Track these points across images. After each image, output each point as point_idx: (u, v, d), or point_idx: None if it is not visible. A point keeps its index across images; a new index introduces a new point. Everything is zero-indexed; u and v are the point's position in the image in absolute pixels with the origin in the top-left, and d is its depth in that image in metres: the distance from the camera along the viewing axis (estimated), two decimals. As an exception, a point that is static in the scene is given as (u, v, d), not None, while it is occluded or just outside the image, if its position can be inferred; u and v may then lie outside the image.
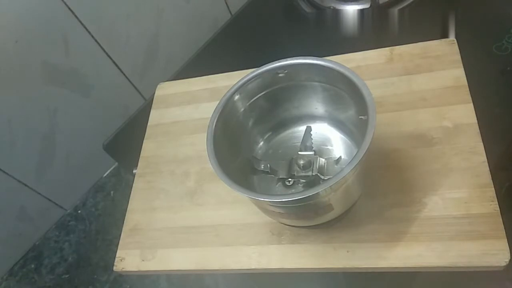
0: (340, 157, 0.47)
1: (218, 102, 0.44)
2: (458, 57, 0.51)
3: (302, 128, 0.49)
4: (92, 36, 0.66)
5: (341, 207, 0.42)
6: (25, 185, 0.68)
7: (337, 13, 0.76)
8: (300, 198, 0.35)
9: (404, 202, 0.44)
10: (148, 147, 0.60)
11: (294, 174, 0.46)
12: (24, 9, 0.57)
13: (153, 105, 0.64)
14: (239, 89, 0.44)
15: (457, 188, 0.43)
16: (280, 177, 0.46)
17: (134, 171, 0.58)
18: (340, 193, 0.38)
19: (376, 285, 0.49)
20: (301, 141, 0.48)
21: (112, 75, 0.72)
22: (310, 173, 0.45)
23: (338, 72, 0.41)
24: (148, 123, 0.62)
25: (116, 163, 0.77)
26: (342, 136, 0.48)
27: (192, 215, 0.51)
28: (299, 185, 0.46)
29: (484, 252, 0.39)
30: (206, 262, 0.47)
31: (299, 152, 0.47)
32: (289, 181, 0.46)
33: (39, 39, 0.60)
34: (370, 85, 0.39)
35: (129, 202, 0.55)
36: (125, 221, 0.54)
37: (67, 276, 0.69)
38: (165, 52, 0.78)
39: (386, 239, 0.42)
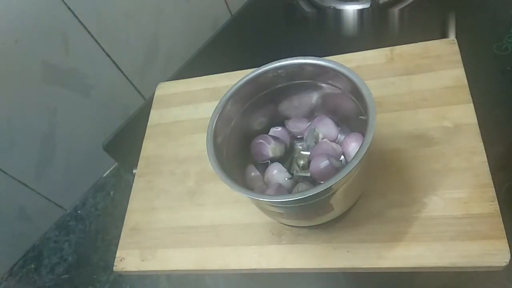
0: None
1: (218, 102, 0.44)
2: (458, 57, 0.51)
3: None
4: (92, 36, 0.66)
5: (341, 207, 0.42)
6: (25, 185, 0.68)
7: (337, 13, 0.76)
8: (300, 198, 0.35)
9: (404, 202, 0.44)
10: (148, 147, 0.60)
11: (294, 174, 0.46)
12: (24, 9, 0.57)
13: (153, 105, 0.64)
14: (239, 89, 0.44)
15: (457, 188, 0.43)
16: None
17: (134, 171, 0.58)
18: (340, 193, 0.38)
19: (376, 285, 0.49)
20: (303, 140, 0.48)
21: (112, 75, 0.72)
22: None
23: (338, 72, 0.41)
24: (148, 123, 0.62)
25: (116, 163, 0.77)
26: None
27: (192, 215, 0.51)
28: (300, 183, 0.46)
29: (484, 252, 0.39)
30: (206, 262, 0.47)
31: (301, 152, 0.47)
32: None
33: (39, 39, 0.60)
34: (370, 85, 0.39)
35: (129, 202, 0.55)
36: (125, 221, 0.54)
37: (67, 276, 0.68)
38: (165, 52, 0.78)
39: (386, 239, 0.42)
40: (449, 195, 0.43)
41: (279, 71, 0.44)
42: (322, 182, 0.36)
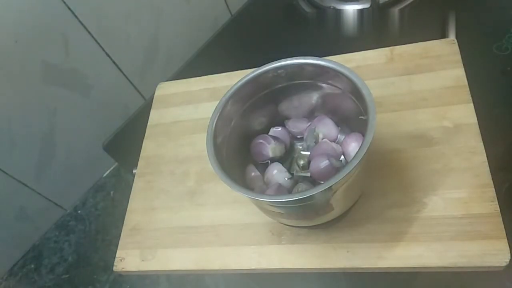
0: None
1: (218, 102, 0.44)
2: (458, 57, 0.51)
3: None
4: (92, 36, 0.66)
5: (341, 207, 0.42)
6: (25, 185, 0.68)
7: (337, 13, 0.76)
8: (300, 198, 0.35)
9: (404, 202, 0.44)
10: (148, 147, 0.60)
11: (294, 174, 0.46)
12: (24, 9, 0.57)
13: (153, 105, 0.64)
14: (239, 89, 0.44)
15: (457, 188, 0.43)
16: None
17: (134, 171, 0.58)
18: (340, 193, 0.38)
19: (376, 285, 0.49)
20: (303, 140, 0.48)
21: (112, 75, 0.72)
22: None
23: (338, 72, 0.41)
24: (148, 123, 0.62)
25: (116, 163, 0.77)
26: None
27: (192, 215, 0.51)
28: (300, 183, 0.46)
29: (484, 252, 0.39)
30: (206, 262, 0.47)
31: (301, 152, 0.47)
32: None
33: (39, 39, 0.60)
34: (370, 85, 0.39)
35: (129, 202, 0.55)
36: (125, 221, 0.54)
37: (67, 276, 0.68)
38: (165, 52, 0.78)
39: (386, 239, 0.42)
40: (449, 195, 0.43)
41: (279, 71, 0.44)
42: (322, 182, 0.36)
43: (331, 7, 0.76)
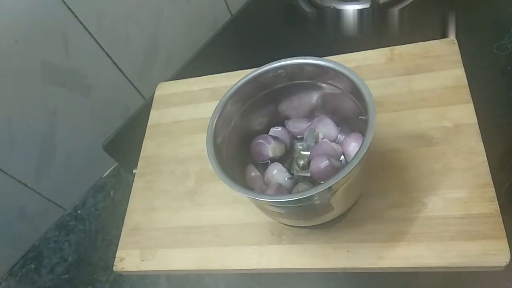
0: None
1: (218, 102, 0.44)
2: (458, 57, 0.51)
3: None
4: (92, 36, 0.66)
5: (341, 207, 0.42)
6: (25, 185, 0.68)
7: (337, 13, 0.76)
8: (300, 198, 0.35)
9: (404, 202, 0.44)
10: (148, 147, 0.60)
11: (294, 174, 0.46)
12: (24, 9, 0.57)
13: (153, 105, 0.64)
14: (239, 89, 0.44)
15: (457, 188, 0.43)
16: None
17: (134, 171, 0.58)
18: (340, 193, 0.38)
19: (376, 285, 0.49)
20: (303, 140, 0.48)
21: (112, 75, 0.72)
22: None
23: (338, 72, 0.41)
24: (148, 123, 0.62)
25: (116, 163, 0.77)
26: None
27: (192, 215, 0.51)
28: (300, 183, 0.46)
29: (484, 252, 0.39)
30: (206, 262, 0.47)
31: (301, 152, 0.47)
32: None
33: (39, 39, 0.60)
34: (370, 85, 0.39)
35: (129, 202, 0.55)
36: (125, 221, 0.54)
37: (67, 276, 0.68)
38: (165, 52, 0.78)
39: (386, 239, 0.42)
40: (449, 195, 0.43)
41: (279, 71, 0.44)
42: (322, 182, 0.36)
43: (331, 7, 0.76)
